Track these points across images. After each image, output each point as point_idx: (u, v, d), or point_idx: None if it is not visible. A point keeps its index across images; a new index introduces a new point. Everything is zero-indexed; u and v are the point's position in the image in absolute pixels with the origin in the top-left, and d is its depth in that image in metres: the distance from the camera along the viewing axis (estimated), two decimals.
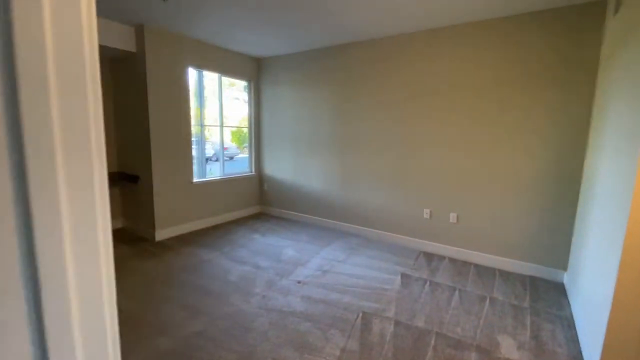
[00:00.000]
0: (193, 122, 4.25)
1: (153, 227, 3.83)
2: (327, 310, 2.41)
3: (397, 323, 2.26)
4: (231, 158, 10.44)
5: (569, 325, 2.30)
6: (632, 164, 1.56)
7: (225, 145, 10.54)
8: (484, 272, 3.15)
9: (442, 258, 3.48)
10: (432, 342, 2.07)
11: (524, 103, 2.98)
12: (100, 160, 0.44)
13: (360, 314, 2.36)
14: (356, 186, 4.16)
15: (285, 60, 4.64)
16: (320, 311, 2.39)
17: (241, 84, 5.01)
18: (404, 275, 3.03)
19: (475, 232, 3.37)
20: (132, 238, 3.91)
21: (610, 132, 2.05)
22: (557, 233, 2.95)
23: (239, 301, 2.50)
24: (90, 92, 0.41)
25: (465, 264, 3.35)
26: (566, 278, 2.91)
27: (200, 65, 4.14)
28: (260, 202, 5.30)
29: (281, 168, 4.93)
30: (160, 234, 3.88)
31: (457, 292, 2.74)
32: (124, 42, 3.52)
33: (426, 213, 3.65)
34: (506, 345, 2.06)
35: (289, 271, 3.06)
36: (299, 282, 2.84)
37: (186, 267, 3.10)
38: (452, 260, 3.42)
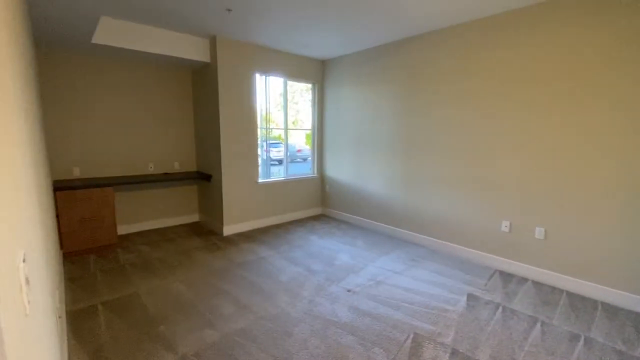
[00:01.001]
0: (260, 124, 4.46)
1: (222, 222, 4.13)
2: (374, 325, 2.22)
3: (454, 352, 1.95)
4: (305, 160, 10.82)
5: None
6: None
7: (299, 148, 10.95)
8: (580, 304, 2.54)
9: (523, 280, 2.94)
10: None
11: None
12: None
13: (411, 335, 2.11)
14: (421, 191, 3.81)
15: (348, 60, 4.54)
16: (366, 325, 2.21)
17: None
18: (471, 296, 2.63)
19: (570, 251, 2.75)
20: (204, 231, 4.29)
21: None
22: None
23: (286, 303, 2.49)
24: None
25: (554, 290, 2.76)
26: None
27: (266, 71, 4.32)
28: (322, 204, 5.30)
29: (343, 170, 4.83)
30: (228, 229, 4.16)
31: (538, 325, 2.25)
32: (201, 53, 3.88)
33: (505, 225, 3.13)
34: None
35: (340, 278, 2.94)
36: (348, 290, 2.70)
37: (244, 263, 3.24)
38: (537, 285, 2.85)
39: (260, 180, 4.49)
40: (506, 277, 3.01)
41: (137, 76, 4.08)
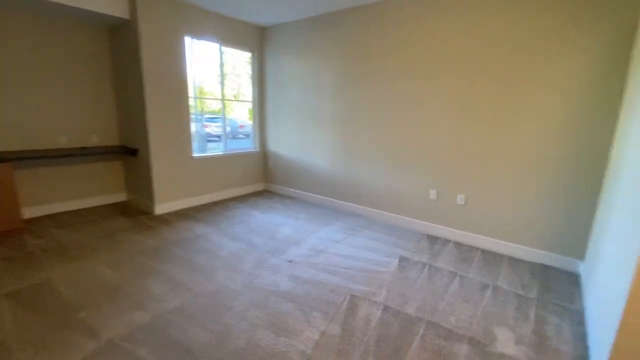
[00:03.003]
0: (194, 94, 4.11)
1: (152, 200, 3.81)
2: (314, 291, 2.29)
3: (385, 308, 2.12)
4: (248, 136, 10.42)
5: (579, 321, 2.08)
6: None
7: (241, 123, 10.43)
8: (491, 259, 2.92)
9: (446, 242, 3.27)
10: (421, 331, 1.91)
11: (545, 73, 2.62)
12: None
13: (348, 297, 2.23)
14: (361, 164, 3.94)
15: (289, 28, 4.36)
16: (305, 292, 2.28)
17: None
18: (402, 259, 2.86)
19: (484, 215, 3.11)
20: (133, 211, 3.92)
21: None
22: (575, 219, 2.66)
23: (224, 278, 2.43)
24: None
25: (472, 249, 3.13)
26: (582, 268, 2.64)
27: (198, 34, 3.94)
28: (265, 180, 5.20)
29: (286, 144, 4.76)
30: (160, 208, 3.86)
31: (457, 279, 2.55)
32: (117, 8, 3.36)
33: (433, 194, 3.41)
34: (503, 338, 1.88)
35: (281, 250, 2.95)
36: (289, 261, 2.73)
37: (179, 242, 3.06)
38: (458, 245, 3.20)
39: (195, 154, 4.20)
40: (432, 239, 3.32)
41: (37, 31, 3.41)
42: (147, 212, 3.89)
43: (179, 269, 2.55)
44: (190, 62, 3.95)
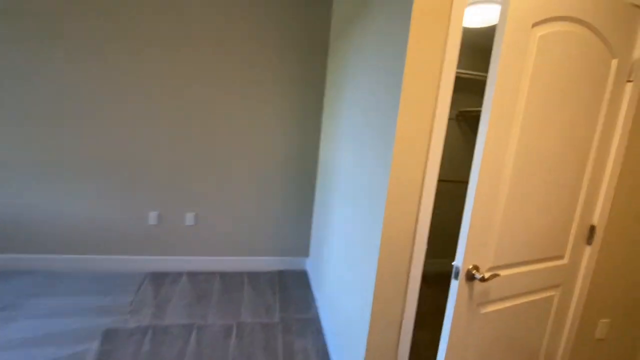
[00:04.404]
0: None
1: None
2: None
3: None
4: None
5: (318, 330, 2.05)
6: (383, 161, 1.22)
7: None
8: (231, 282, 2.52)
9: (178, 277, 2.54)
10: None
11: (266, 89, 2.46)
12: None
13: None
14: (19, 187, 2.32)
15: None
16: None
17: None
18: (108, 334, 1.82)
19: (218, 233, 2.65)
20: None
21: (343, 120, 1.80)
22: (298, 220, 2.76)
23: None
24: None
25: (209, 275, 2.59)
26: (308, 264, 2.79)
27: None
28: None
29: None
30: None
31: (194, 334, 1.90)
32: None
33: (153, 217, 2.54)
34: None
35: None
36: None
37: None
38: (192, 276, 2.56)
39: None
40: (159, 279, 2.47)
41: None
42: None
43: None
44: None
